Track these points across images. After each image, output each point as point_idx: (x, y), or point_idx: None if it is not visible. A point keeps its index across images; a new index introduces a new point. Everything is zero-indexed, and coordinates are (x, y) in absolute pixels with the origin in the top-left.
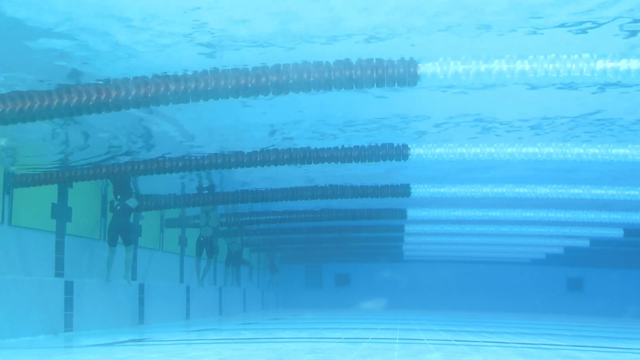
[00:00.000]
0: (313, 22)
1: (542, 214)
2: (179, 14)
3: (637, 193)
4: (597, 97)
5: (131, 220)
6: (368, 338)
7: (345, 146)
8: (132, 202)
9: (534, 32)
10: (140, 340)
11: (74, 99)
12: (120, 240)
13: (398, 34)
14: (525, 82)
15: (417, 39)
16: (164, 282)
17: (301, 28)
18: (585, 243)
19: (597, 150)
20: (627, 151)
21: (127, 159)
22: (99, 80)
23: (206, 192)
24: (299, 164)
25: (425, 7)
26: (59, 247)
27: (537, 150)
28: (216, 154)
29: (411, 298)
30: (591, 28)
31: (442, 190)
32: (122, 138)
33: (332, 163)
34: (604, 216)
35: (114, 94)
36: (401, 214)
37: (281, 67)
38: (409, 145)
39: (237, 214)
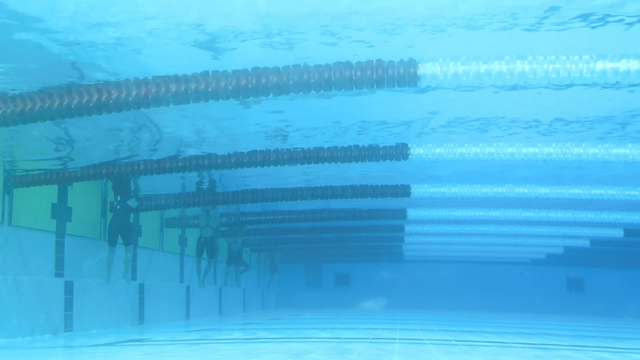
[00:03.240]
0: None
1: (542, 214)
2: None
3: (637, 193)
4: None
5: (131, 220)
6: (368, 338)
7: (345, 146)
8: (132, 202)
9: None
10: (140, 340)
11: (75, 99)
12: (120, 240)
13: None
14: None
15: None
16: (164, 282)
17: None
18: (585, 243)
19: (597, 150)
20: (627, 151)
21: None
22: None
23: (206, 191)
24: (298, 164)
25: None
26: (59, 247)
27: (537, 150)
28: (216, 154)
29: (411, 298)
30: None
31: (442, 190)
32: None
33: (332, 163)
34: (604, 216)
35: (114, 94)
36: (401, 214)
37: (281, 68)
38: (409, 145)
39: (237, 214)
